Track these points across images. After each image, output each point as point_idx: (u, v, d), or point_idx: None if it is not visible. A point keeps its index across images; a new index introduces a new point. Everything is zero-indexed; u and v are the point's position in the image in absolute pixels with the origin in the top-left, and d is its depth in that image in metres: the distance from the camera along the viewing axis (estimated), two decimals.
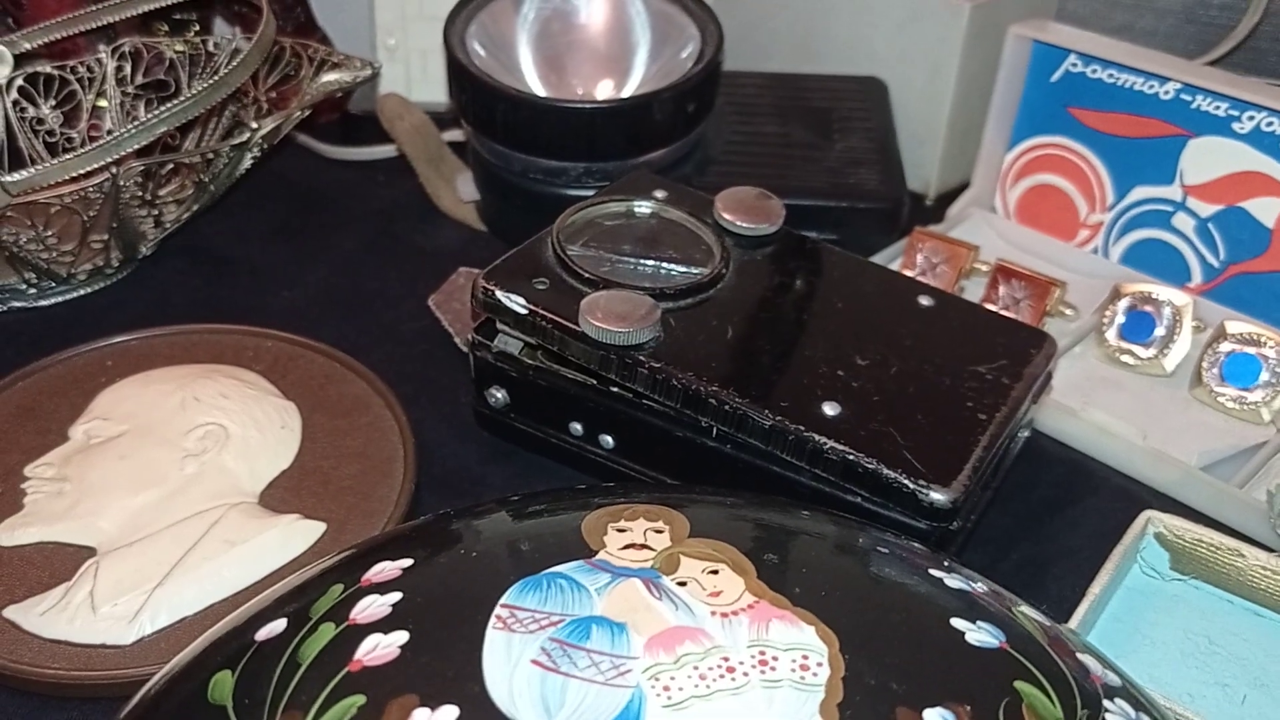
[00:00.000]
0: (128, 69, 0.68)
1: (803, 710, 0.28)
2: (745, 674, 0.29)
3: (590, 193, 0.55)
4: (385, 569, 0.32)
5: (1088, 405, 0.53)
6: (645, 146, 0.62)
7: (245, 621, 0.32)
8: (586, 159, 0.61)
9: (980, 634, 0.31)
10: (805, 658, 0.29)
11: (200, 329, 0.57)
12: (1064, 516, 0.50)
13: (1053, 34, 0.61)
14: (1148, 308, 0.56)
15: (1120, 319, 0.56)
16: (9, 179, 0.51)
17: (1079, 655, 0.32)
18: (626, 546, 0.33)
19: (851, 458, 0.41)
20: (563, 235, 0.48)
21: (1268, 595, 0.43)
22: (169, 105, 0.54)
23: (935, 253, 0.59)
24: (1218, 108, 0.57)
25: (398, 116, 0.68)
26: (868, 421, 0.43)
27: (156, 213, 0.59)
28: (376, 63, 0.65)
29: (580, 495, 0.37)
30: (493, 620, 0.30)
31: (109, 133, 0.67)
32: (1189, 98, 0.58)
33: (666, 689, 0.28)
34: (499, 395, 0.50)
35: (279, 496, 0.48)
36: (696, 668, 0.29)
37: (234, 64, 0.57)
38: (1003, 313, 0.53)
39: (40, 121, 0.67)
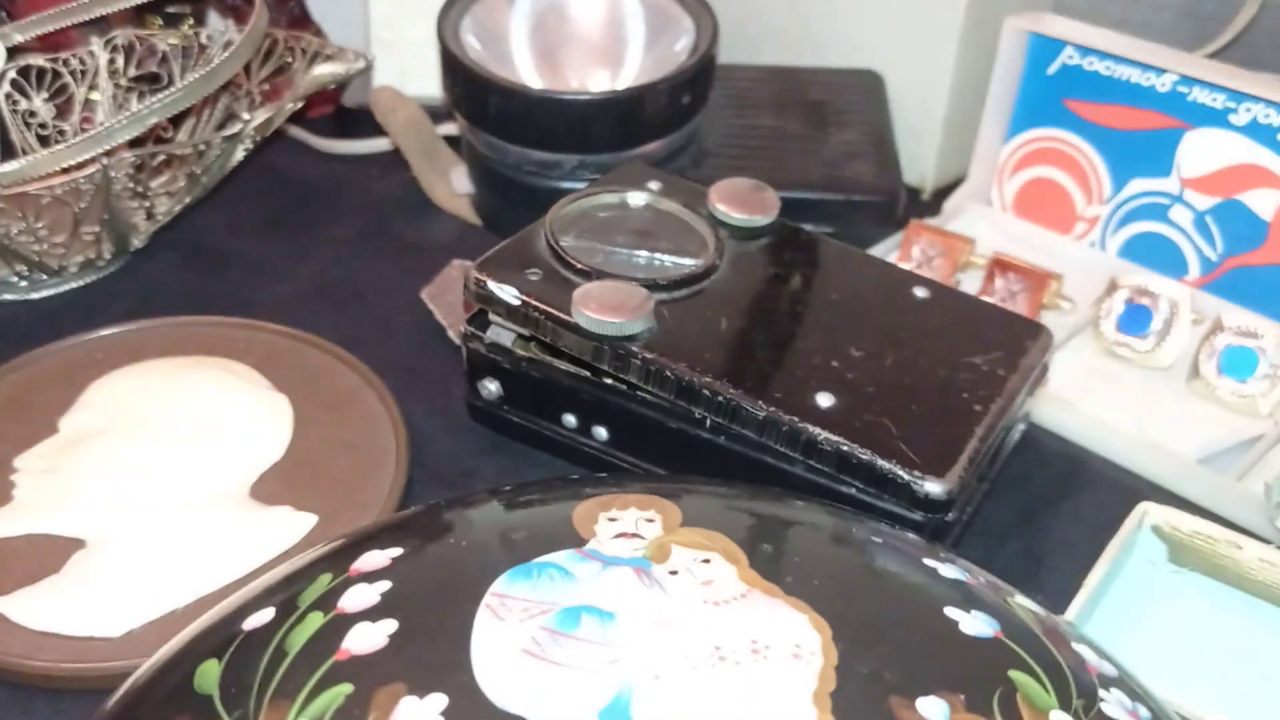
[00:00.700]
0: (120, 61, 0.68)
1: (795, 699, 0.28)
2: (737, 663, 0.28)
3: (584, 185, 0.54)
4: (374, 558, 0.32)
5: (1085, 398, 0.53)
6: (640, 139, 0.61)
7: (233, 611, 0.32)
8: (581, 151, 0.61)
9: (975, 623, 0.31)
10: (797, 646, 0.29)
11: (191, 321, 0.56)
12: (1061, 509, 0.49)
13: (1049, 26, 0.61)
14: (1145, 300, 0.55)
15: (1117, 311, 0.56)
16: None
17: (1074, 645, 0.32)
18: (618, 536, 0.33)
19: (846, 449, 0.41)
20: (556, 226, 0.48)
21: (1265, 587, 0.43)
22: (160, 96, 0.54)
23: (931, 246, 0.59)
24: (1215, 100, 0.57)
25: (391, 109, 0.67)
26: (862, 412, 0.42)
27: (148, 205, 0.59)
28: (370, 55, 0.65)
29: (571, 485, 0.37)
30: (482, 609, 0.30)
31: (101, 124, 0.67)
32: (1186, 90, 0.57)
33: (657, 678, 0.28)
34: (492, 387, 0.49)
35: (270, 489, 0.47)
36: (688, 656, 0.28)
37: (226, 55, 0.57)
38: (998, 305, 0.53)
39: (33, 114, 0.67)
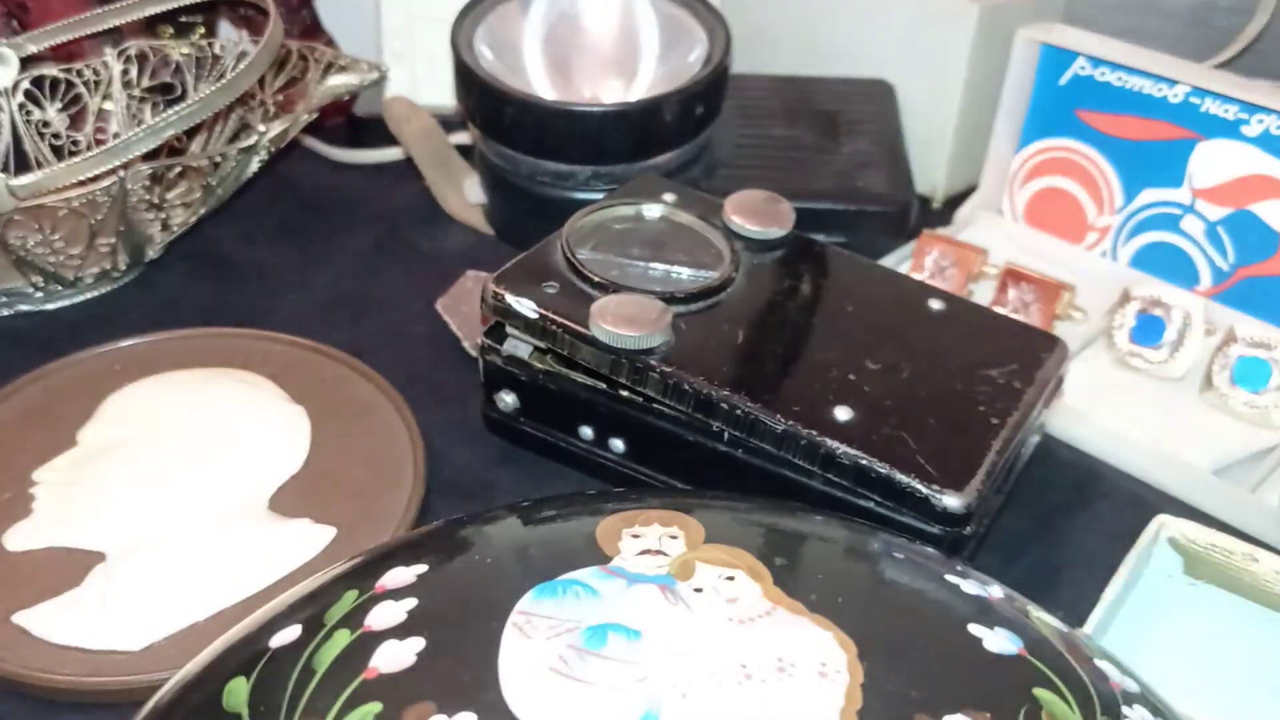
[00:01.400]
0: (134, 72, 0.68)
1: (822, 717, 0.28)
2: (763, 681, 0.29)
3: (598, 196, 0.54)
4: (399, 575, 0.32)
5: (1098, 409, 0.53)
6: (653, 150, 0.62)
7: (259, 628, 0.32)
8: (594, 162, 0.61)
9: (998, 640, 0.31)
10: (823, 664, 0.29)
11: (208, 333, 0.56)
12: (1076, 521, 0.49)
13: (1060, 37, 0.61)
14: (1157, 311, 0.56)
15: (1130, 322, 0.56)
16: (16, 182, 0.51)
17: (1096, 661, 0.32)
18: (642, 553, 0.33)
19: (864, 462, 0.41)
20: (572, 239, 0.48)
21: None
22: (176, 109, 0.54)
23: (944, 256, 0.59)
24: (1227, 111, 0.57)
25: (405, 119, 0.68)
26: (880, 426, 0.42)
27: (163, 216, 0.59)
28: (383, 66, 0.65)
29: (593, 500, 0.37)
30: (509, 626, 0.30)
31: (115, 136, 0.67)
32: (1198, 101, 0.58)
33: (684, 696, 0.28)
34: (508, 399, 0.49)
35: (288, 501, 0.48)
36: (713, 674, 0.29)
37: (241, 67, 0.57)
38: (1013, 316, 0.53)
39: (46, 124, 0.67)
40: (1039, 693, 0.29)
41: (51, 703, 0.41)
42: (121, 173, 0.53)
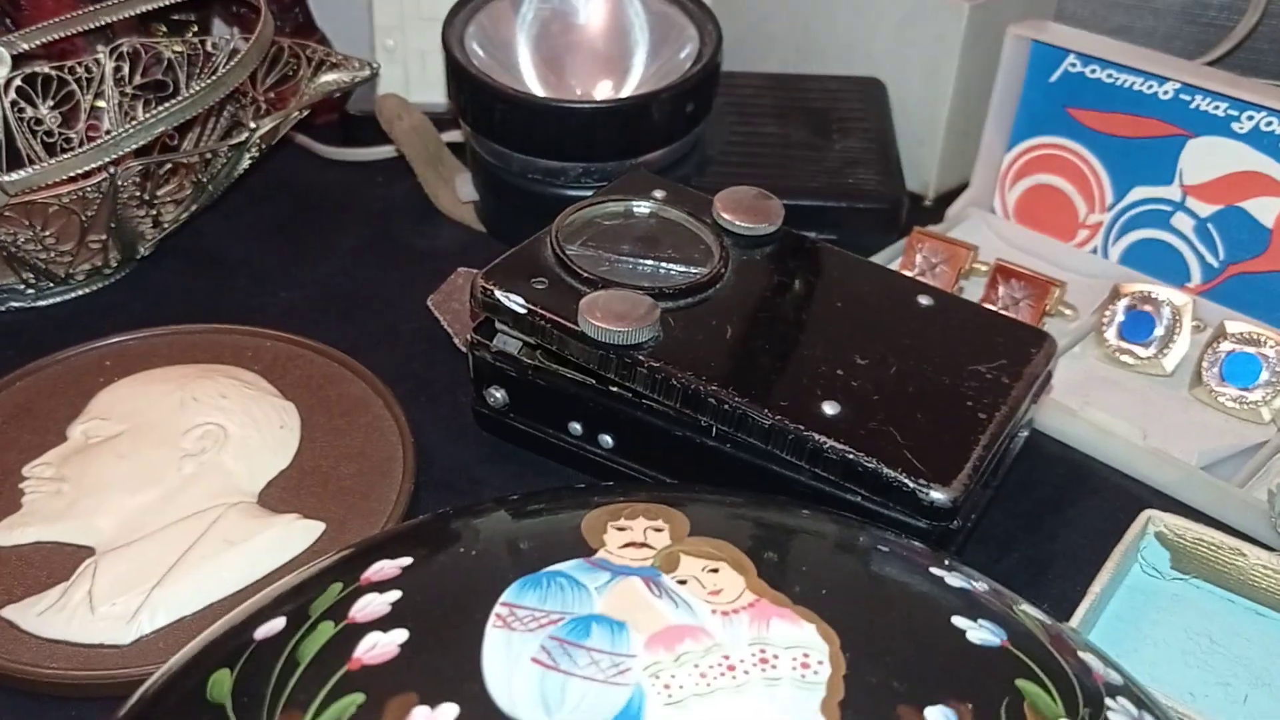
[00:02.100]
0: (126, 69, 0.68)
1: (804, 708, 0.28)
2: (746, 672, 0.29)
3: (589, 193, 0.54)
4: (384, 567, 0.32)
5: (1088, 405, 0.53)
6: (644, 147, 0.62)
7: (244, 620, 0.32)
8: (585, 159, 0.61)
9: (981, 632, 0.31)
10: (806, 656, 0.29)
11: (199, 329, 0.57)
12: (1064, 516, 0.49)
13: (1051, 34, 0.61)
14: (1147, 307, 0.56)
15: (1120, 319, 0.56)
16: (7, 179, 0.51)
17: (1080, 654, 0.32)
18: (626, 545, 0.33)
19: (851, 457, 0.41)
20: (562, 235, 0.48)
21: (1269, 594, 0.43)
22: (167, 105, 0.54)
23: (934, 253, 0.59)
24: (1217, 108, 0.57)
25: (396, 117, 0.68)
26: (867, 421, 0.43)
27: (155, 213, 0.59)
28: (375, 63, 0.65)
29: (580, 494, 0.37)
30: (492, 619, 0.30)
31: (107, 133, 0.67)
32: (1188, 98, 0.58)
33: (667, 687, 0.28)
34: (498, 395, 0.50)
35: (278, 496, 0.48)
36: (697, 666, 0.29)
37: (232, 64, 0.57)
38: (1002, 313, 0.53)
39: (39, 122, 0.67)
40: (1021, 684, 0.29)
41: (40, 697, 0.41)
42: (113, 169, 0.53)
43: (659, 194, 0.52)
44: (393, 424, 0.51)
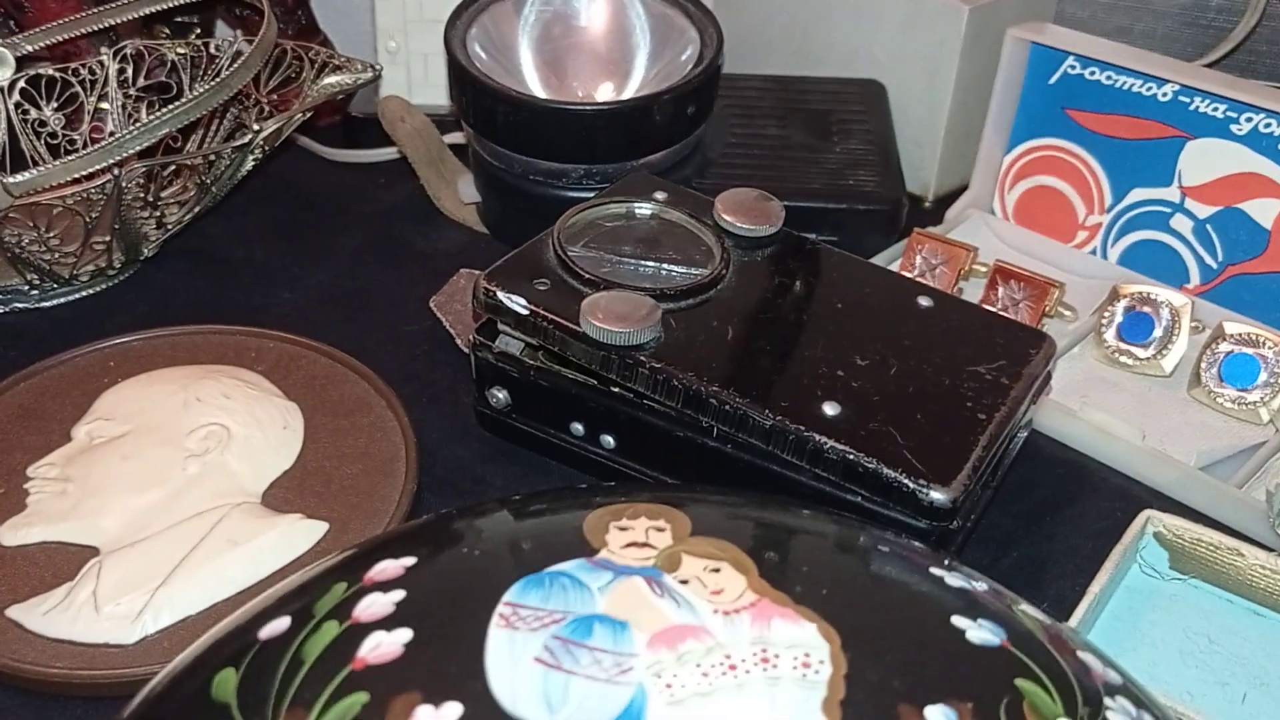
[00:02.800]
0: (129, 71, 0.69)
1: (805, 708, 0.28)
2: (747, 671, 0.29)
3: (590, 195, 0.55)
4: (388, 567, 0.33)
5: (1087, 406, 0.53)
6: (645, 149, 0.62)
7: (248, 620, 0.32)
8: (587, 161, 0.61)
9: (981, 632, 0.31)
10: (807, 655, 0.29)
11: (202, 330, 0.57)
12: (1063, 516, 0.50)
13: (1051, 36, 0.61)
14: (1146, 309, 0.56)
15: (1119, 320, 0.56)
16: (11, 180, 0.51)
17: (1079, 653, 0.32)
18: (628, 545, 0.33)
19: (851, 457, 0.42)
20: (563, 236, 0.49)
21: (1267, 594, 0.43)
22: (171, 107, 0.54)
23: (934, 254, 0.60)
24: (1216, 109, 0.57)
25: (399, 119, 0.68)
26: (868, 421, 0.43)
27: (158, 214, 0.60)
28: (378, 65, 0.65)
29: (581, 494, 0.37)
30: (495, 618, 0.30)
31: (111, 135, 0.67)
32: (1187, 100, 0.58)
33: (669, 686, 0.28)
34: (500, 395, 0.50)
35: (281, 496, 0.48)
36: (699, 665, 0.29)
37: (235, 66, 0.57)
38: (1002, 314, 0.53)
39: (42, 123, 0.67)
40: (1021, 683, 0.30)
41: (45, 697, 0.41)
42: (116, 171, 0.54)
43: (660, 196, 0.52)
44: (395, 424, 0.51)
